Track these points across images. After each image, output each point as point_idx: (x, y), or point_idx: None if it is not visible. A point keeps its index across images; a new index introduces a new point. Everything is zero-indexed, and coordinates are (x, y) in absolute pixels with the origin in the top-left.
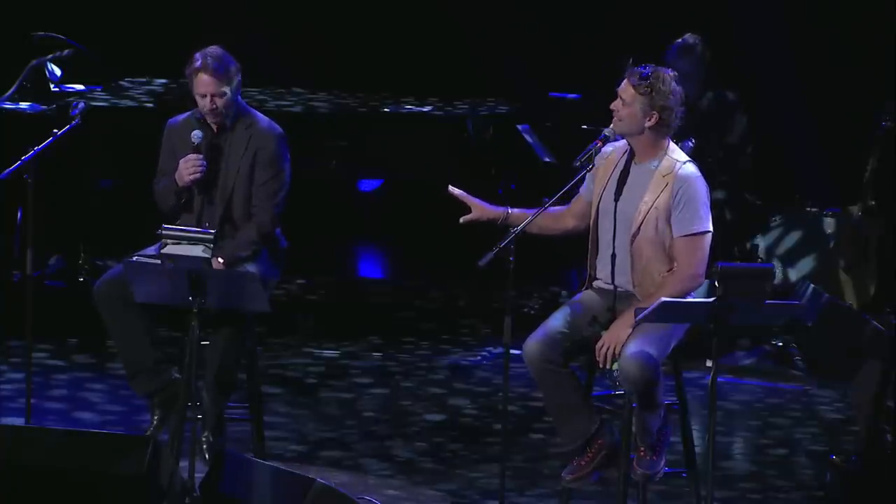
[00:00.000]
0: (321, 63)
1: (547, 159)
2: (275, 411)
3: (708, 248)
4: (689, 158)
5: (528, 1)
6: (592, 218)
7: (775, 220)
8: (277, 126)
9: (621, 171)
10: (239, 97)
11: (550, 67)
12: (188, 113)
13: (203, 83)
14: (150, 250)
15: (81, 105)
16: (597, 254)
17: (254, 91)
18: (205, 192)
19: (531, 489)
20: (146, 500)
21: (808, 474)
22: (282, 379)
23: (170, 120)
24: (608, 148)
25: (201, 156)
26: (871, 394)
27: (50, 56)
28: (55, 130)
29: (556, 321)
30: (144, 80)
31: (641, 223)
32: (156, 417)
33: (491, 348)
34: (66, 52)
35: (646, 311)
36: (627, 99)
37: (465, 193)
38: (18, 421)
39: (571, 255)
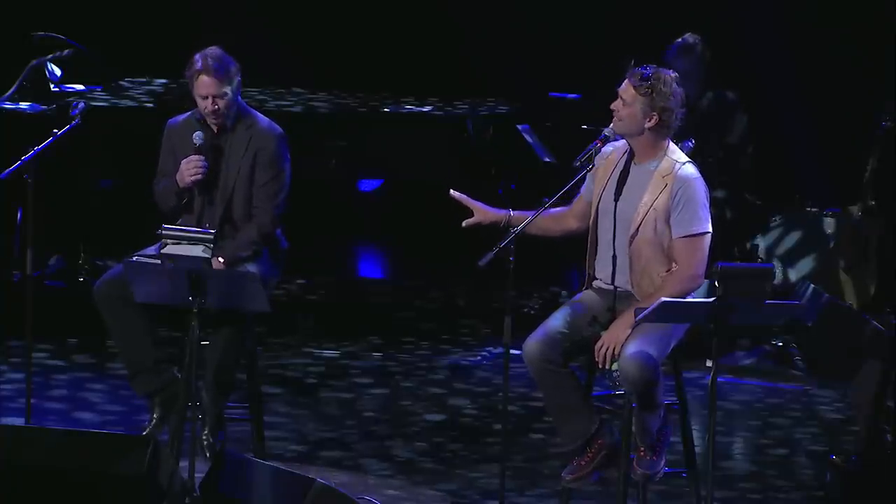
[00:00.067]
0: (321, 63)
1: (547, 159)
2: (275, 411)
3: (707, 249)
4: (688, 159)
5: (528, 1)
6: (592, 218)
7: (775, 220)
8: (277, 126)
9: (621, 172)
10: (239, 97)
11: (550, 67)
12: (188, 113)
13: (204, 84)
14: (150, 250)
15: (81, 105)
16: (596, 254)
17: (254, 91)
18: (205, 193)
19: (531, 489)
20: (146, 500)
21: (808, 474)
22: (282, 379)
23: (170, 120)
24: (608, 148)
25: (203, 157)
26: (871, 394)
27: (50, 56)
28: (55, 130)
29: (556, 321)
30: (144, 80)
31: (640, 224)
32: (155, 416)
33: (491, 348)
34: (66, 52)
35: (646, 311)
36: (628, 99)
37: (466, 197)
38: (18, 421)
39: (571, 255)
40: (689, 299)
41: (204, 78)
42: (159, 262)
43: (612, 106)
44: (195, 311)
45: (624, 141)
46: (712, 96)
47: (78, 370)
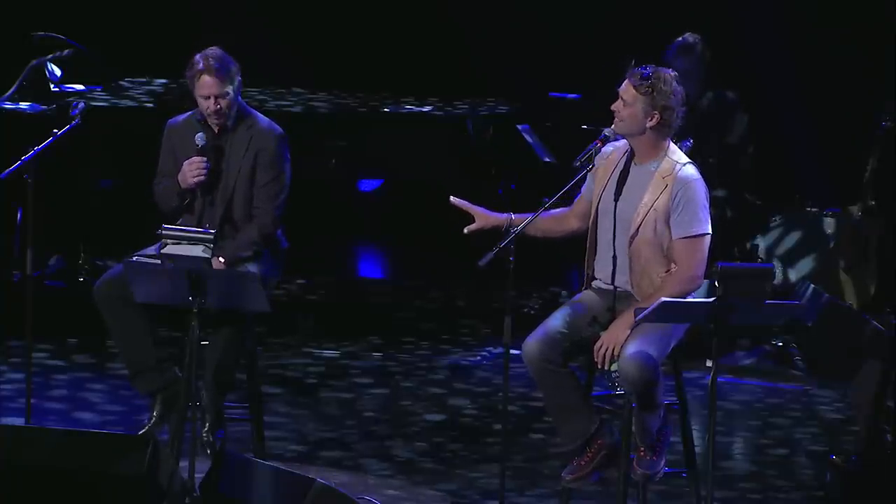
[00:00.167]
0: (321, 63)
1: (547, 159)
2: (275, 411)
3: (707, 251)
4: (688, 160)
5: (528, 1)
6: (592, 218)
7: (775, 220)
8: (278, 126)
9: (621, 172)
10: (239, 97)
11: (550, 67)
12: (188, 113)
13: (206, 85)
14: (150, 250)
15: (81, 105)
16: (595, 254)
17: (254, 91)
18: (205, 193)
19: (531, 489)
20: (146, 500)
21: (808, 474)
22: (282, 379)
23: (170, 120)
24: (608, 148)
25: (205, 159)
26: (871, 394)
27: (50, 56)
28: (55, 130)
29: (556, 321)
30: (144, 80)
31: (640, 224)
32: (155, 414)
33: (491, 348)
34: (66, 52)
35: (645, 312)
36: (628, 99)
37: (467, 203)
38: (18, 421)
39: (571, 255)
40: (689, 299)
41: (206, 78)
42: (159, 262)
43: (613, 107)
44: (195, 311)
45: (624, 141)
46: (712, 96)
47: (78, 370)
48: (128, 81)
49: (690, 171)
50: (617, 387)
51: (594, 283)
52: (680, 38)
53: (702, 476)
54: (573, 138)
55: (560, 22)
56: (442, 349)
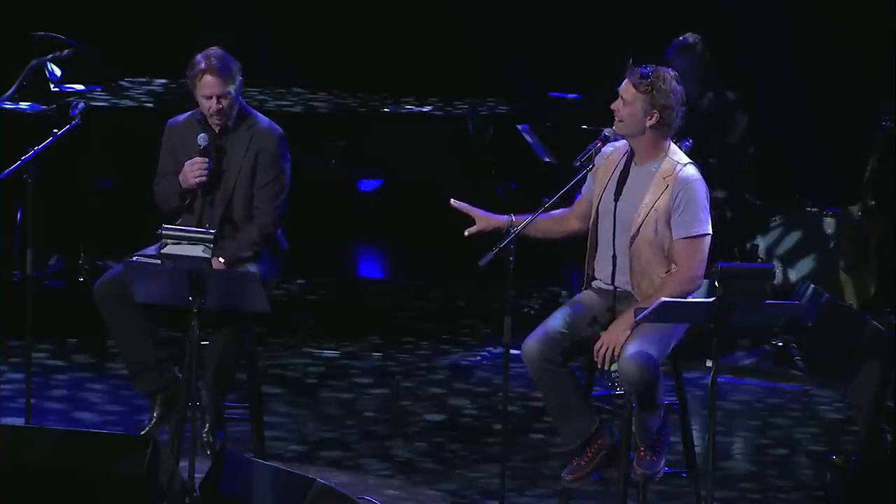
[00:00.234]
0: (321, 63)
1: (547, 159)
2: (275, 411)
3: (707, 251)
4: (689, 160)
5: (528, 1)
6: (592, 218)
7: (775, 220)
8: (278, 127)
9: (621, 172)
10: (240, 97)
11: (550, 67)
12: (189, 113)
13: (208, 85)
14: (150, 250)
15: (81, 105)
16: (596, 254)
17: (254, 91)
18: (206, 193)
19: (531, 489)
20: (146, 500)
21: (808, 474)
22: (282, 379)
23: (170, 120)
24: (608, 148)
25: (207, 159)
26: (871, 394)
27: (50, 56)
28: (55, 130)
29: (556, 321)
30: (144, 80)
31: (641, 225)
32: (155, 415)
33: (491, 348)
34: (66, 52)
35: (645, 312)
36: (628, 98)
37: (467, 206)
38: (18, 421)
39: (571, 256)
40: (689, 299)
41: (208, 78)
42: (159, 262)
43: (613, 106)
44: (195, 311)
45: (624, 141)
46: (712, 96)
47: (78, 370)
48: (128, 81)
49: (691, 171)
50: (617, 387)
51: (594, 284)
52: (680, 38)
53: (702, 476)
54: (573, 138)
55: (560, 22)
56: (442, 349)
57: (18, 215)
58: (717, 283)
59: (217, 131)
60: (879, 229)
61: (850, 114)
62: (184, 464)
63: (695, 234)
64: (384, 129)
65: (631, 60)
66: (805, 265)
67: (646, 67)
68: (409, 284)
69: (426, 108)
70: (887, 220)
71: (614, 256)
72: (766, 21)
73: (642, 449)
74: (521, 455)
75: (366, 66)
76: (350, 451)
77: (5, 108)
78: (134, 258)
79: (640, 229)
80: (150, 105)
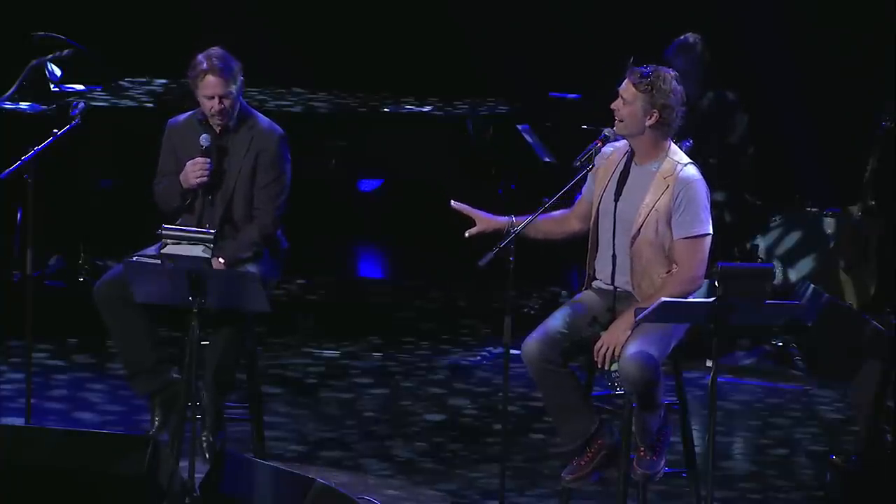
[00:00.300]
0: (321, 63)
1: (547, 159)
2: (275, 411)
3: (708, 251)
4: (690, 160)
5: (528, 1)
6: (593, 218)
7: (775, 220)
8: (278, 127)
9: (621, 172)
10: (241, 97)
11: (550, 67)
12: (189, 113)
13: (210, 85)
14: (150, 250)
15: (81, 105)
16: (596, 254)
17: (254, 91)
18: (206, 193)
19: (531, 489)
20: (146, 500)
21: (808, 474)
22: (282, 379)
23: (170, 120)
24: (608, 148)
25: (209, 160)
26: (871, 394)
27: (50, 56)
28: (55, 130)
29: (556, 321)
30: (144, 80)
31: (642, 225)
32: (157, 419)
33: (491, 348)
34: (66, 52)
35: (645, 312)
36: (628, 98)
37: (468, 207)
38: (18, 421)
39: (571, 255)
40: (689, 299)
41: (210, 78)
42: (159, 262)
43: (613, 105)
44: (195, 311)
45: (624, 141)
46: (712, 96)
47: (78, 370)
48: (128, 81)
49: (692, 171)
50: (617, 387)
51: (594, 284)
52: (681, 38)
53: (702, 476)
54: (573, 138)
55: (560, 22)
56: (442, 349)
57: (18, 215)
58: (717, 283)
59: (218, 131)
60: (879, 229)
61: (850, 114)
62: (184, 464)
63: (695, 234)
64: (384, 129)
65: (632, 60)
66: (805, 265)
67: (646, 67)
68: (409, 284)
69: (426, 108)
70: (887, 220)
71: (614, 256)
72: (766, 21)
73: (642, 449)
74: (521, 455)
75: (366, 66)
76: (350, 451)
77: (5, 108)
78: (134, 258)
79: (641, 229)
80: (150, 105)
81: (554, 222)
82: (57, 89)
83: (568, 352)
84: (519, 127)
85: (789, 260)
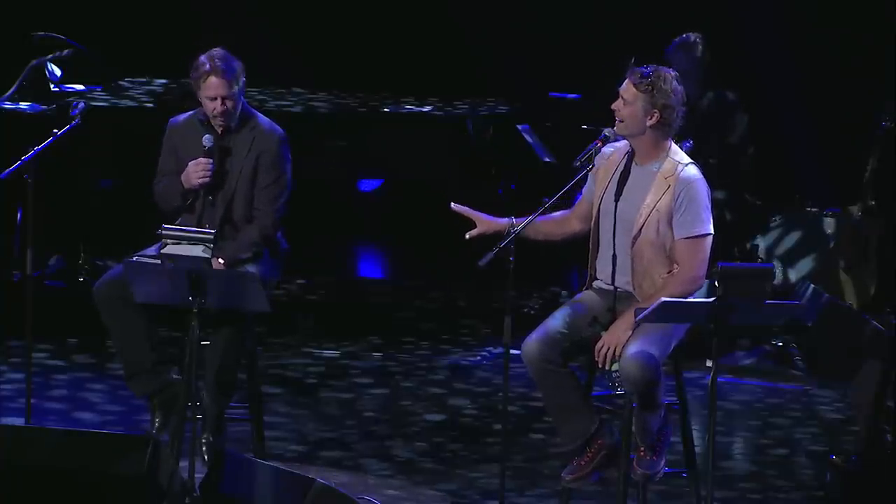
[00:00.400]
0: (321, 63)
1: (547, 159)
2: (275, 411)
3: (709, 251)
4: (690, 160)
5: (528, 1)
6: (594, 219)
7: (775, 220)
8: (279, 128)
9: (622, 172)
10: (242, 98)
11: (550, 67)
12: (190, 113)
13: (213, 86)
14: (150, 250)
15: (81, 105)
16: (597, 254)
17: (254, 91)
18: (206, 193)
19: (531, 489)
20: (146, 500)
21: (808, 474)
22: (282, 379)
23: (171, 119)
24: (609, 149)
25: (211, 160)
26: (871, 394)
27: (50, 56)
28: (55, 130)
29: (556, 321)
30: (144, 80)
31: (643, 225)
32: (157, 420)
33: (491, 348)
34: (66, 52)
35: (646, 312)
36: (629, 98)
37: (468, 209)
38: (18, 421)
39: (572, 255)
40: (690, 299)
41: (213, 79)
42: (159, 262)
43: (613, 106)
44: (195, 311)
45: (625, 142)
46: (712, 96)
47: (78, 370)
48: (128, 81)
49: (693, 171)
50: (618, 387)
51: (595, 284)
52: (684, 35)
53: (702, 476)
54: (573, 138)
55: (560, 22)
56: (442, 349)
57: (18, 215)
58: (717, 283)
59: (220, 132)
60: (879, 229)
61: (850, 114)
62: (184, 464)
63: (696, 234)
64: (384, 129)
65: (633, 60)
66: (805, 265)
67: (646, 67)
68: (409, 284)
69: (426, 108)
70: (887, 220)
71: (614, 256)
72: (766, 21)
73: (642, 449)
74: (521, 455)
75: (366, 66)
76: (350, 451)
77: (5, 108)
78: (134, 258)
79: (642, 230)
80: (150, 105)
81: (554, 223)
82: (57, 89)
83: (568, 352)
84: (519, 127)
85: (789, 260)
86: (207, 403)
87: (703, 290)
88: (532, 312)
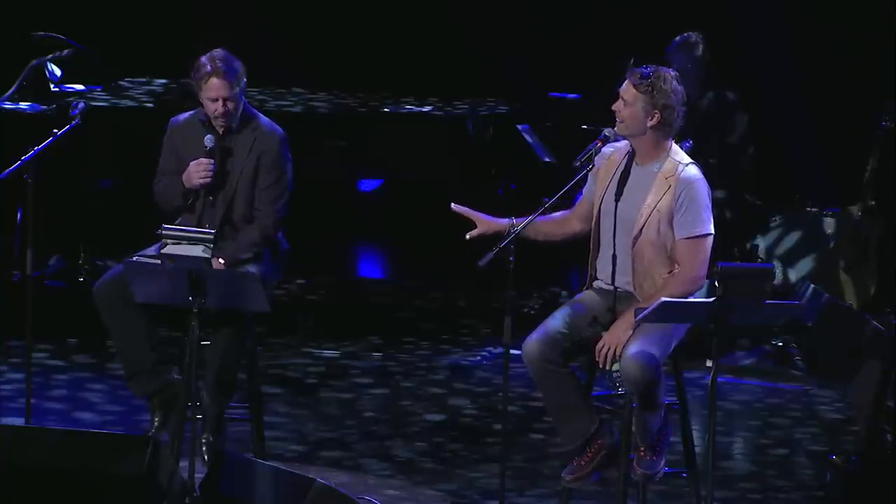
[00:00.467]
0: (321, 63)
1: (547, 159)
2: (275, 411)
3: (709, 251)
4: (691, 160)
5: (528, 1)
6: (594, 219)
7: (775, 220)
8: (280, 128)
9: (622, 173)
10: (243, 98)
11: (550, 67)
12: (191, 112)
13: (215, 87)
14: (150, 250)
15: (81, 105)
16: (598, 254)
17: (254, 91)
18: (207, 194)
19: (531, 489)
20: (146, 500)
21: (808, 474)
22: (282, 379)
23: (172, 119)
24: (609, 149)
25: (213, 161)
26: (871, 394)
27: (50, 56)
28: (55, 130)
29: (556, 321)
30: (144, 80)
31: (643, 226)
32: (157, 420)
33: (491, 348)
34: (66, 52)
35: (646, 312)
36: (629, 99)
37: (468, 210)
38: (18, 421)
39: (572, 255)
40: (689, 299)
41: (214, 80)
42: (159, 262)
43: (614, 107)
44: (195, 311)
45: (625, 142)
46: (712, 96)
47: (78, 370)
48: (128, 81)
49: (693, 171)
50: (618, 387)
51: (595, 284)
52: (684, 35)
53: (702, 476)
54: (573, 138)
55: (560, 22)
56: (442, 349)
57: (18, 215)
58: (717, 283)
59: (221, 132)
60: (879, 229)
61: (850, 114)
62: (184, 464)
63: (697, 235)
64: (384, 129)
65: (632, 60)
66: (805, 265)
67: (646, 68)
68: (409, 284)
69: (426, 108)
70: (887, 220)
71: (614, 256)
72: (766, 21)
73: (642, 449)
74: (521, 455)
75: (366, 66)
76: (350, 451)
77: (5, 108)
78: (134, 258)
79: (643, 230)
80: (150, 105)
81: (555, 224)
82: (57, 89)
83: (568, 352)
84: (519, 127)
85: (789, 260)
86: (207, 403)
87: (703, 290)
88: (532, 312)
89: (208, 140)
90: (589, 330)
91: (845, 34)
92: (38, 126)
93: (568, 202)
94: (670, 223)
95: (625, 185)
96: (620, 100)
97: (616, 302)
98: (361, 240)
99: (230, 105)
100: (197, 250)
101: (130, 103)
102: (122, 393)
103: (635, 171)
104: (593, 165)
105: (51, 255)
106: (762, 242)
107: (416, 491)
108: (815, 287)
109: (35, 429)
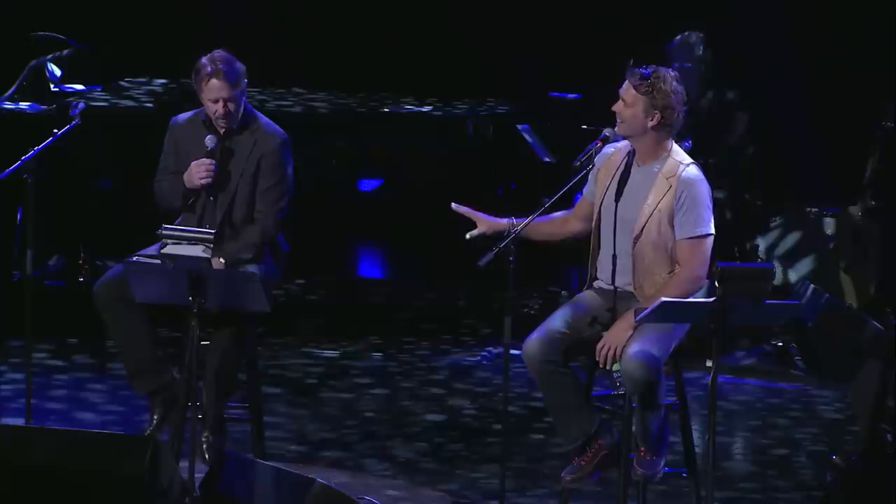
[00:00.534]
0: (321, 63)
1: (547, 159)
2: (275, 411)
3: (710, 251)
4: (692, 160)
5: (528, 1)
6: (595, 219)
7: (775, 220)
8: (281, 130)
9: (622, 173)
10: (244, 99)
11: (550, 67)
12: (192, 112)
13: (215, 88)
14: (150, 250)
15: (81, 105)
16: (598, 254)
17: (254, 91)
18: (208, 194)
19: (531, 489)
20: (146, 500)
21: (808, 474)
22: (282, 379)
23: (173, 118)
24: (609, 149)
25: (214, 161)
26: (871, 394)
27: (50, 56)
28: (55, 130)
29: (556, 321)
30: (144, 80)
31: (644, 226)
32: (155, 417)
33: (491, 348)
34: (66, 52)
35: (646, 312)
36: (629, 100)
37: (468, 209)
38: (18, 421)
39: (572, 255)
40: (689, 299)
41: (215, 82)
42: (159, 262)
43: (614, 107)
44: (195, 311)
45: (625, 142)
46: (712, 96)
47: (78, 370)
48: (128, 81)
49: (694, 171)
50: (619, 387)
51: (595, 284)
52: (684, 34)
53: (702, 476)
54: (573, 138)
55: (560, 22)
56: (442, 349)
57: (18, 215)
58: (717, 283)
59: (222, 133)
60: (879, 229)
61: (850, 114)
62: (184, 464)
63: (698, 235)
64: (384, 129)
65: (631, 61)
66: (805, 265)
67: (646, 68)
68: (409, 284)
69: (426, 108)
70: (887, 220)
71: (615, 256)
72: (766, 21)
73: (642, 449)
74: (521, 455)
75: (366, 66)
76: (350, 451)
77: (5, 108)
78: (134, 258)
79: (644, 230)
80: (150, 105)
81: (555, 224)
82: (57, 89)
83: (568, 352)
84: (519, 127)
85: (789, 260)
86: (207, 403)
87: (703, 290)
88: (532, 312)
89: (209, 140)
90: (589, 330)
91: (845, 34)
92: (38, 126)
93: (568, 202)
94: (671, 223)
95: (625, 185)
96: (620, 100)
97: (616, 302)
98: (361, 240)
99: (231, 106)
100: (197, 250)
101: (130, 103)
102: (122, 393)
103: (636, 171)
104: (593, 165)
105: (51, 255)
106: (762, 242)
107: (416, 491)
108: (815, 287)
109: (35, 429)
